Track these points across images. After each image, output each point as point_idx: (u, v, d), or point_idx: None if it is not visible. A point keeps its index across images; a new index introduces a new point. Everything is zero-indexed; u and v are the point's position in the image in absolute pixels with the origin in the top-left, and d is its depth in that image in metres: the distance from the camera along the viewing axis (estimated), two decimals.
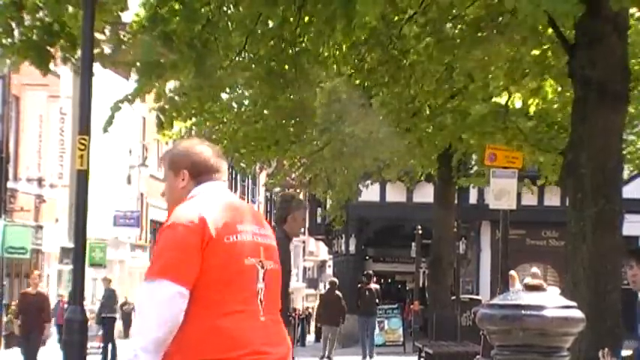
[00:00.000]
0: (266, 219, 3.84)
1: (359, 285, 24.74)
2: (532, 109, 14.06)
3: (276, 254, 3.79)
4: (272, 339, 3.60)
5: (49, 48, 10.77)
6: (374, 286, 24.40)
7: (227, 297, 3.52)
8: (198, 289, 3.51)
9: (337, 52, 11.75)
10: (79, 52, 11.08)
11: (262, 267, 3.64)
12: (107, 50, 11.39)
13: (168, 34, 9.95)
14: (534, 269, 17.61)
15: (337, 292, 23.21)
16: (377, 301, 24.01)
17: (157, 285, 3.48)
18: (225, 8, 10.59)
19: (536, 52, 11.45)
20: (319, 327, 23.17)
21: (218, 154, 3.87)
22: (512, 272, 19.43)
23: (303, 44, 11.10)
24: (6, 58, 11.19)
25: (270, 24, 10.60)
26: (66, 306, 27.78)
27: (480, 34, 10.47)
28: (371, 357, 23.52)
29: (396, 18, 10.86)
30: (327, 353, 23.31)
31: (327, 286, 23.99)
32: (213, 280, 3.52)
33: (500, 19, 10.26)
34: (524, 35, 10.24)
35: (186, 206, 3.64)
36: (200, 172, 3.79)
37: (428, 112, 14.47)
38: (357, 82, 12.85)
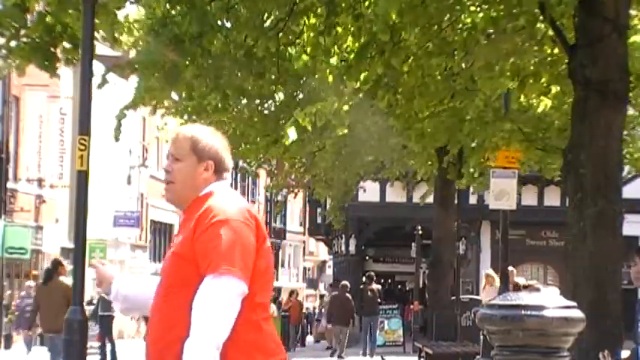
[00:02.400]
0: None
1: (361, 286, 25.63)
2: (540, 109, 14.03)
3: None
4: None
5: (53, 50, 10.78)
6: (376, 286, 25.30)
7: (264, 301, 3.53)
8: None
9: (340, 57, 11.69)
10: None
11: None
12: (106, 51, 11.41)
13: (179, 36, 9.94)
14: (509, 268, 18.04)
15: (347, 294, 24.34)
16: (379, 301, 24.92)
17: (229, 281, 3.39)
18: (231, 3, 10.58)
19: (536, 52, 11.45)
20: (329, 327, 24.27)
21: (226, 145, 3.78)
22: (489, 271, 19.81)
23: (300, 44, 11.09)
24: (11, 60, 11.20)
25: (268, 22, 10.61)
26: None
27: (481, 37, 10.45)
28: (371, 356, 23.98)
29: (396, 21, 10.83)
30: (338, 352, 24.11)
31: (340, 288, 25.05)
32: (257, 284, 3.48)
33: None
34: (523, 35, 10.23)
35: (232, 202, 3.56)
36: (223, 169, 3.70)
37: (427, 113, 14.44)
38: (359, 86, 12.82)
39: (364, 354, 24.04)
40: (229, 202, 3.56)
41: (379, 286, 26.39)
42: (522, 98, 14.31)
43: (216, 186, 3.64)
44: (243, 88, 11.93)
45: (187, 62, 10.14)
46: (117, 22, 10.91)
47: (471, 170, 18.64)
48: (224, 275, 3.38)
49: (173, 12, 10.33)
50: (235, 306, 3.38)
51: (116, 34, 11.21)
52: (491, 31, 10.36)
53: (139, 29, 11.17)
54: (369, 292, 24.67)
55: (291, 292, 33.85)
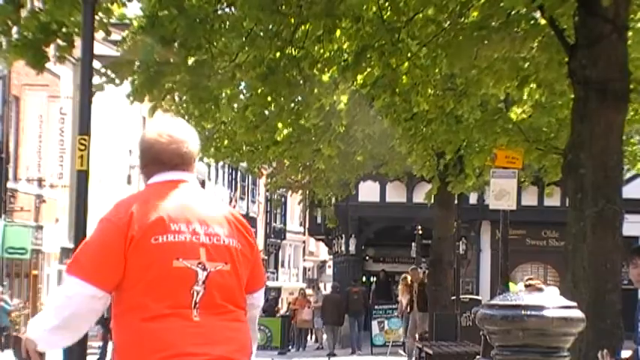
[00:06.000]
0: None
1: (347, 288, 27.86)
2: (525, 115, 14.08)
3: (232, 255, 3.46)
4: (207, 339, 3.34)
5: (45, 48, 10.77)
6: (360, 288, 28.39)
7: (151, 300, 3.30)
8: (123, 290, 3.32)
9: (340, 58, 11.67)
10: (75, 51, 11.10)
11: (204, 269, 3.37)
12: (105, 51, 11.42)
13: (166, 38, 9.95)
14: (412, 267, 20.74)
15: (338, 294, 27.47)
16: (364, 302, 27.59)
17: (67, 279, 3.34)
18: (220, 11, 10.62)
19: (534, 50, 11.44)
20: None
21: (172, 139, 3.52)
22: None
23: (303, 48, 11.10)
24: (2, 57, 11.20)
25: (269, 26, 10.62)
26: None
27: (478, 33, 10.45)
28: (353, 352, 25.89)
29: (395, 19, 10.83)
30: (330, 350, 26.25)
31: (331, 289, 28.47)
32: (137, 282, 3.31)
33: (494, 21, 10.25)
34: (522, 33, 10.22)
35: (122, 201, 3.47)
36: (147, 163, 3.60)
37: (426, 115, 14.44)
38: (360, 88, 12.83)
39: (353, 351, 25.99)
40: (123, 200, 3.49)
41: (364, 288, 29.54)
42: (517, 113, 14.35)
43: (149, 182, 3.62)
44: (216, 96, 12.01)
45: (173, 65, 10.17)
46: (110, 12, 10.89)
47: (474, 170, 18.55)
48: (66, 273, 3.37)
49: (161, 13, 10.31)
50: (71, 307, 3.30)
51: (111, 30, 11.22)
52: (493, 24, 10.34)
53: (134, 29, 11.17)
54: (355, 295, 27.17)
55: (300, 291, 34.12)
